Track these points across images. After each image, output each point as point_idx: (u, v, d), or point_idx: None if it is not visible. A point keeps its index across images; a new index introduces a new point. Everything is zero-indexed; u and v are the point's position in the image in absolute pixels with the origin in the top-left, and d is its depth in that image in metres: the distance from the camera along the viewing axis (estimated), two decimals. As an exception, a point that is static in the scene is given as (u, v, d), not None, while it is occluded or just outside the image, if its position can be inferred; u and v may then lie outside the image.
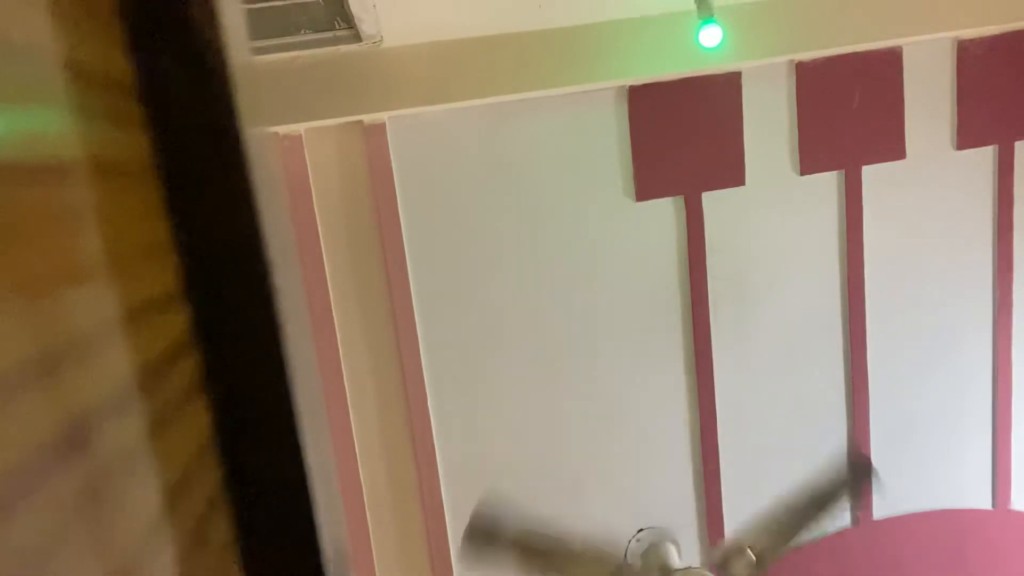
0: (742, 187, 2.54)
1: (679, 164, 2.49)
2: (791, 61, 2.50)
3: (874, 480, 2.02)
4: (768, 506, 2.04)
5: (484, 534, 1.96)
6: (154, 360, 0.50)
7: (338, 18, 1.97)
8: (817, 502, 2.00)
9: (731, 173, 2.53)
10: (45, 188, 0.41)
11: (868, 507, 2.81)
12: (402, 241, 2.40)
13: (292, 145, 2.30)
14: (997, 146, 2.66)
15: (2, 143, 0.37)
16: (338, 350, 2.43)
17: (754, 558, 2.01)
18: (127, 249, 0.49)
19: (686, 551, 2.71)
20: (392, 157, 2.36)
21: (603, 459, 2.64)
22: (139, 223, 0.52)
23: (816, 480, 2.03)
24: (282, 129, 2.28)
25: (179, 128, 0.55)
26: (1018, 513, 2.90)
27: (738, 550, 2.04)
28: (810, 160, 2.56)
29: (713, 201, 2.54)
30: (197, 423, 0.56)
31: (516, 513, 1.96)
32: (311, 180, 2.34)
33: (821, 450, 2.76)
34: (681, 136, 2.47)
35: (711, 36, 2.17)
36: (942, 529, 2.87)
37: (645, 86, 2.43)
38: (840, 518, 2.81)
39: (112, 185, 0.49)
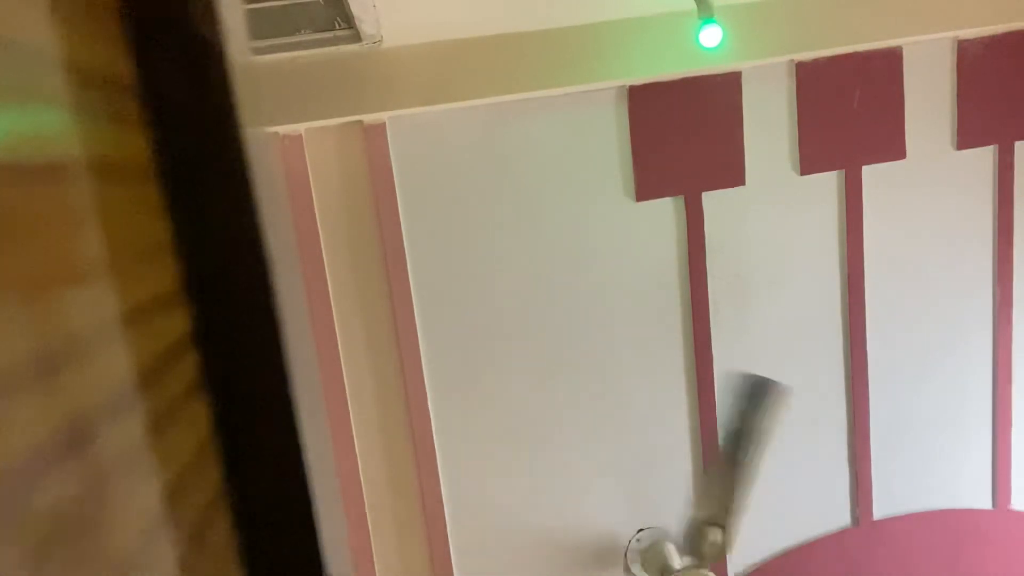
0: (742, 187, 2.54)
1: (679, 164, 2.49)
2: (791, 61, 2.50)
3: (776, 391, 1.99)
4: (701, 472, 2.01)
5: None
6: (154, 360, 0.50)
7: (338, 18, 1.97)
8: (737, 444, 1.98)
9: (731, 173, 2.53)
10: (45, 188, 0.41)
11: (866, 500, 2.81)
12: (402, 241, 2.40)
13: (292, 145, 2.30)
14: (997, 146, 2.66)
15: (2, 143, 0.37)
16: (338, 350, 2.43)
17: (718, 533, 2.00)
18: (127, 249, 0.49)
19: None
20: (392, 157, 2.36)
21: (603, 458, 2.64)
22: (139, 223, 0.52)
23: (725, 422, 2.01)
24: (282, 129, 2.28)
25: (179, 128, 0.55)
26: (1018, 513, 2.90)
27: (698, 532, 2.03)
28: (810, 160, 2.56)
29: (713, 201, 2.54)
30: (197, 423, 0.56)
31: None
32: (311, 180, 2.34)
33: (821, 450, 2.76)
34: (681, 136, 2.48)
35: (711, 36, 2.17)
36: (942, 529, 2.87)
37: (645, 86, 2.43)
38: (840, 517, 2.81)
39: (112, 185, 0.49)
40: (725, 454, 1.97)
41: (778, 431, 1.99)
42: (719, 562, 2.08)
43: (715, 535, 2.00)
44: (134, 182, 0.53)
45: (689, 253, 2.55)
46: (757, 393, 1.98)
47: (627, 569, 2.70)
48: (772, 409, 1.97)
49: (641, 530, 2.68)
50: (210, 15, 0.56)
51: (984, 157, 2.67)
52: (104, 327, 0.44)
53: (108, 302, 0.45)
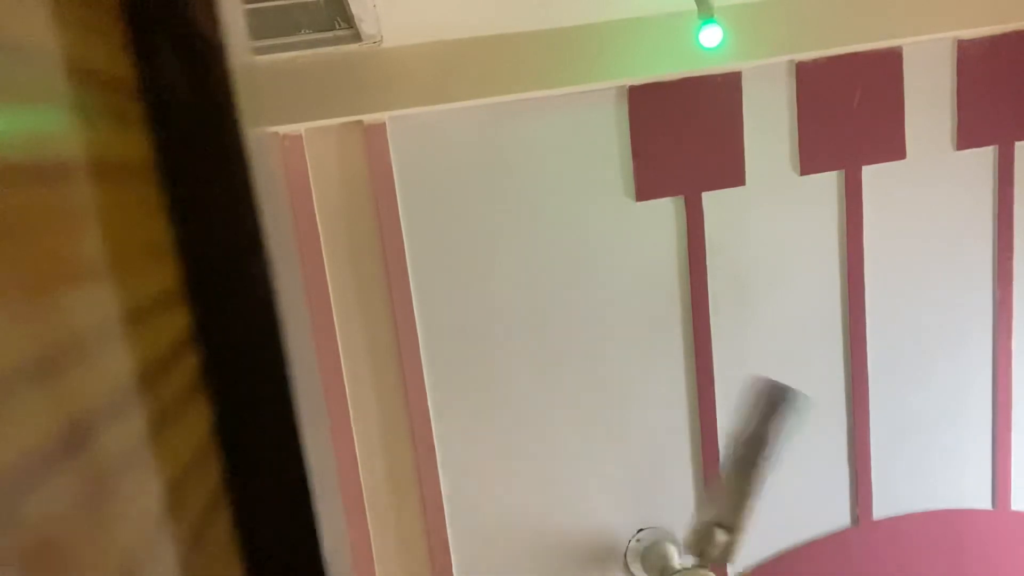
0: (742, 187, 2.54)
1: (679, 164, 2.49)
2: (791, 61, 2.50)
3: (793, 401, 1.98)
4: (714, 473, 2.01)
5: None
6: (154, 360, 0.50)
7: (338, 18, 1.97)
8: (752, 447, 1.97)
9: (731, 173, 2.53)
10: (45, 188, 0.41)
11: (867, 500, 2.81)
12: (402, 241, 2.40)
13: (292, 145, 2.30)
14: (997, 146, 2.66)
15: (2, 142, 0.37)
16: (338, 350, 2.43)
17: (724, 535, 1.99)
18: (127, 249, 0.49)
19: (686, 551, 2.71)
20: (392, 157, 2.36)
21: (603, 458, 2.64)
22: (140, 223, 0.52)
23: (740, 425, 2.00)
24: (282, 129, 2.28)
25: (180, 127, 0.55)
26: (1018, 513, 2.90)
27: (705, 533, 2.02)
28: (810, 160, 2.56)
29: (713, 201, 2.54)
30: (197, 422, 0.56)
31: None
32: (311, 180, 2.34)
33: (821, 450, 2.76)
34: (681, 136, 2.48)
35: (711, 36, 2.17)
36: (942, 529, 2.87)
37: (645, 86, 2.43)
38: (840, 517, 2.82)
39: (113, 185, 0.49)
40: (738, 457, 1.97)
41: (792, 438, 1.98)
42: (721, 564, 2.08)
43: (722, 537, 1.99)
44: (135, 182, 0.53)
45: (689, 253, 2.55)
46: (775, 398, 1.97)
47: (626, 569, 2.70)
48: (790, 416, 1.97)
49: (641, 530, 2.68)
50: (210, 15, 0.56)
51: (984, 157, 2.67)
52: (105, 327, 0.44)
53: (109, 302, 0.45)
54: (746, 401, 2.00)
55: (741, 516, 1.99)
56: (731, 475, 1.98)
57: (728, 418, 2.67)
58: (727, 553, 2.03)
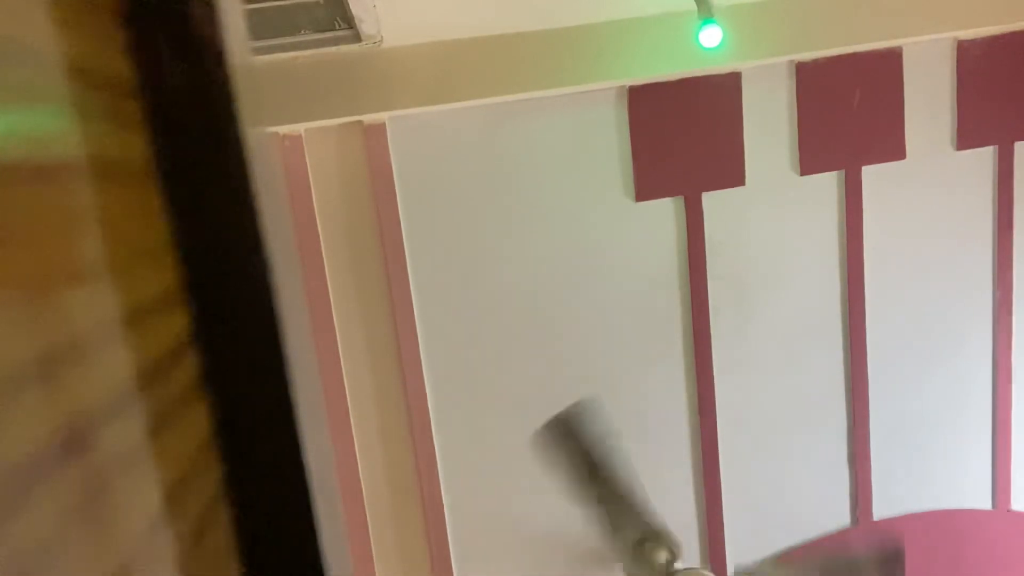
0: (742, 187, 2.54)
1: (679, 164, 2.49)
2: (791, 61, 2.50)
3: (574, 416, 1.99)
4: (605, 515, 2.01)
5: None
6: (154, 360, 0.50)
7: (338, 18, 1.96)
8: (592, 471, 1.97)
9: (731, 173, 2.53)
10: (45, 188, 0.41)
11: (866, 500, 2.81)
12: (402, 241, 2.40)
13: (292, 145, 2.30)
14: (997, 146, 2.66)
15: (2, 143, 0.37)
16: (338, 350, 2.43)
17: (653, 543, 1.99)
18: (127, 249, 0.49)
19: (686, 551, 2.71)
20: (392, 157, 2.36)
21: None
22: (139, 223, 0.52)
23: (567, 465, 2.00)
24: (282, 129, 2.28)
25: (179, 128, 0.55)
26: (1018, 514, 2.90)
27: (641, 556, 2.02)
28: (810, 160, 2.56)
29: (713, 201, 2.54)
30: (197, 423, 0.56)
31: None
32: (311, 180, 2.34)
33: (821, 450, 2.76)
34: (681, 136, 2.48)
35: (711, 36, 2.17)
36: (942, 530, 2.87)
37: (645, 86, 2.43)
38: (840, 517, 2.81)
39: (112, 185, 0.49)
40: (592, 481, 1.97)
41: (605, 434, 1.98)
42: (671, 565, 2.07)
43: (657, 551, 2.00)
44: (134, 183, 0.53)
45: (689, 253, 2.55)
46: (564, 425, 1.99)
47: (626, 569, 2.69)
48: (587, 427, 1.98)
49: (641, 530, 2.68)
50: (210, 15, 0.56)
51: (984, 157, 2.67)
52: (104, 327, 0.44)
53: (108, 302, 0.45)
54: (546, 450, 2.02)
55: (644, 520, 2.00)
56: (599, 502, 1.99)
57: (729, 420, 2.67)
58: (676, 553, 2.03)
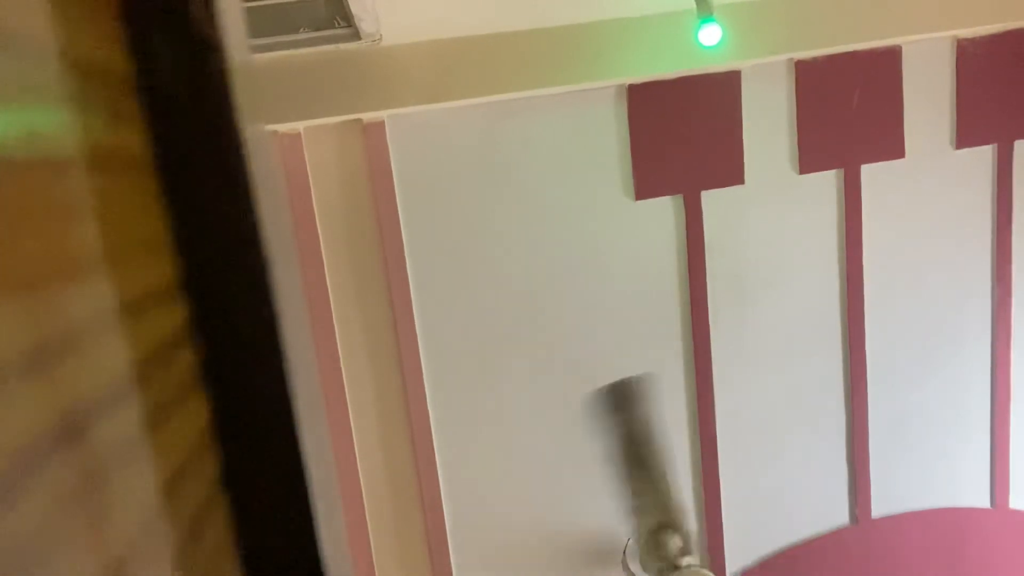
0: (741, 186, 2.54)
1: (678, 163, 2.49)
2: (790, 60, 2.50)
3: (635, 387, 1.97)
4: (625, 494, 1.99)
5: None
6: (152, 354, 0.50)
7: (337, 16, 1.97)
8: (634, 447, 1.96)
9: (730, 172, 2.53)
10: (43, 182, 0.41)
11: (865, 499, 2.81)
12: (401, 239, 2.40)
13: (291, 143, 2.30)
14: (996, 145, 2.66)
15: (1, 137, 0.37)
16: (337, 348, 2.43)
17: (672, 532, 1.98)
18: (125, 243, 0.49)
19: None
20: (391, 155, 2.36)
21: (602, 458, 2.63)
22: (137, 217, 0.53)
23: (607, 434, 1.99)
24: (281, 127, 2.28)
25: (178, 123, 0.55)
26: (1017, 512, 2.91)
27: (655, 542, 2.01)
28: (809, 159, 2.56)
29: (712, 200, 2.54)
30: (195, 417, 0.57)
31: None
32: (310, 178, 2.34)
33: (820, 448, 2.76)
34: (680, 135, 2.48)
35: (710, 35, 2.17)
36: (940, 528, 2.87)
37: (644, 85, 2.43)
38: (839, 516, 2.82)
39: (111, 179, 0.49)
40: (627, 460, 1.96)
41: (656, 418, 1.97)
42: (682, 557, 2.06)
43: (673, 538, 1.99)
44: (132, 177, 0.53)
45: (688, 251, 2.55)
46: (620, 395, 1.97)
47: (625, 568, 2.70)
48: (642, 401, 1.96)
49: (640, 529, 2.68)
50: (209, 11, 0.56)
51: (983, 156, 2.67)
52: (102, 320, 0.44)
53: (106, 295, 0.45)
54: (597, 413, 2.00)
55: (671, 507, 1.99)
56: (634, 479, 1.98)
57: (728, 419, 2.67)
58: (687, 546, 2.03)
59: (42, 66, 0.43)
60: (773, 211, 2.59)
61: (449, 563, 2.59)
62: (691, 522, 2.58)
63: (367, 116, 2.31)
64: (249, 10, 1.82)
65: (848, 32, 2.45)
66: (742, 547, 2.74)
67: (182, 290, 0.56)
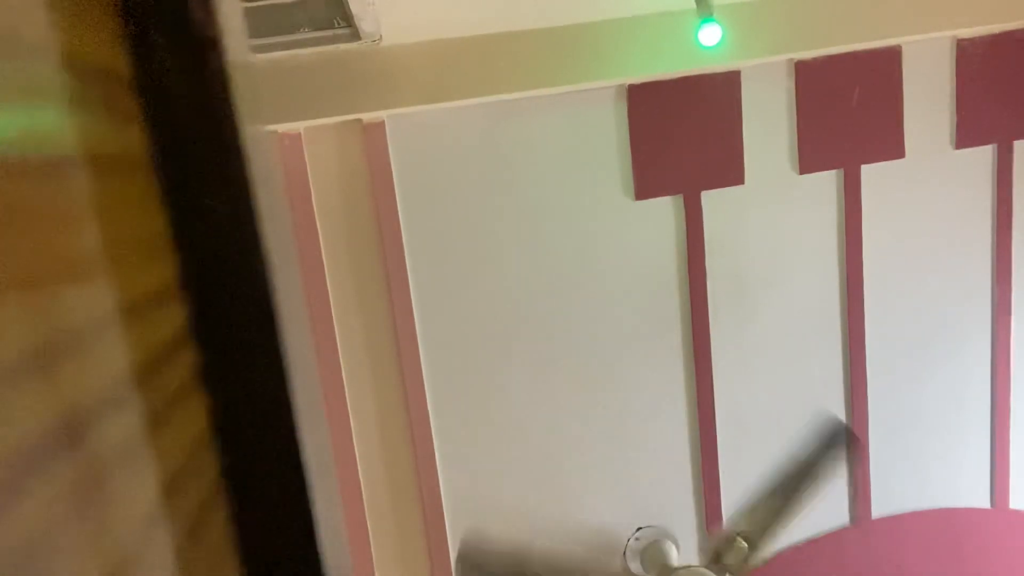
0: (741, 186, 2.54)
1: (678, 163, 2.49)
2: (790, 60, 2.50)
3: (851, 444, 1.99)
4: (754, 488, 2.03)
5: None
6: (151, 355, 0.50)
7: (337, 16, 1.96)
8: (800, 476, 1.99)
9: (730, 172, 2.53)
10: (43, 183, 0.41)
11: (865, 499, 2.81)
12: (401, 239, 2.40)
13: (291, 143, 2.30)
14: (996, 145, 2.66)
15: (1, 138, 0.37)
16: (337, 349, 2.43)
17: (745, 546, 2.00)
18: (125, 244, 0.49)
19: (685, 549, 2.71)
20: (391, 155, 2.36)
21: (602, 458, 2.64)
22: (137, 218, 0.52)
23: (796, 454, 2.02)
24: (281, 127, 2.28)
25: (177, 123, 0.55)
26: (1017, 512, 2.91)
27: (728, 540, 2.03)
28: (809, 159, 2.56)
29: (712, 200, 2.54)
30: (194, 418, 0.56)
31: (501, 545, 1.96)
32: (310, 178, 2.34)
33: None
34: (680, 135, 2.48)
35: (710, 35, 2.17)
36: (940, 528, 2.87)
37: (644, 85, 2.43)
38: (838, 516, 2.82)
39: (110, 180, 0.49)
40: (783, 482, 1.98)
41: (833, 473, 2.00)
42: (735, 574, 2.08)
43: (743, 549, 2.00)
44: (132, 177, 0.53)
45: (688, 252, 2.55)
46: (837, 438, 1.99)
47: (626, 567, 2.70)
48: (840, 455, 1.99)
49: (640, 528, 2.68)
50: (208, 11, 0.56)
51: (983, 156, 2.67)
52: (102, 321, 0.44)
53: (106, 297, 0.45)
54: (810, 431, 2.02)
55: (766, 536, 2.01)
56: (773, 495, 2.00)
57: (728, 419, 2.67)
58: (743, 565, 2.04)
59: (42, 66, 0.43)
60: (773, 211, 2.59)
61: (449, 563, 2.59)
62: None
63: (367, 116, 2.31)
64: (249, 10, 1.82)
65: (848, 32, 2.45)
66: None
67: (182, 291, 0.55)
